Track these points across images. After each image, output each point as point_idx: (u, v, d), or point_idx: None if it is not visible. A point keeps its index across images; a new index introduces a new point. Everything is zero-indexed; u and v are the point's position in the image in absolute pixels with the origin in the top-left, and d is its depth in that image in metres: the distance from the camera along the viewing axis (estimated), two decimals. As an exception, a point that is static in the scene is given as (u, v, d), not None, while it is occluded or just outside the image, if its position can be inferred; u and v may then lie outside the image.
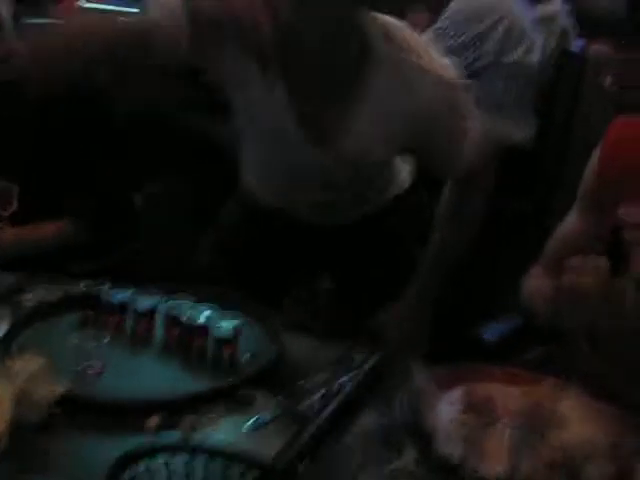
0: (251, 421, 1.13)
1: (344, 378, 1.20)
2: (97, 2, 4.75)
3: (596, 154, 1.48)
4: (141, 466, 0.88)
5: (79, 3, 4.56)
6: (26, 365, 1.08)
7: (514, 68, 2.94)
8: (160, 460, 0.90)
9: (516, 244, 2.77)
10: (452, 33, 2.86)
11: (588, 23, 3.97)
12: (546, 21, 3.45)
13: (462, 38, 2.85)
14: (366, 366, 1.24)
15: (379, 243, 1.81)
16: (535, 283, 1.47)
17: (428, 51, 1.55)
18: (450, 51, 2.78)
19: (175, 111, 3.34)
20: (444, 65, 1.56)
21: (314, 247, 1.79)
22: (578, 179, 1.53)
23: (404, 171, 1.84)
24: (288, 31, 1.38)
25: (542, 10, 3.50)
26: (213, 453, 0.91)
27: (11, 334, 1.28)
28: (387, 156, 1.68)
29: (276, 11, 1.32)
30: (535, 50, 3.00)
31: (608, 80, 3.43)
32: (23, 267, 1.65)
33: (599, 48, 3.79)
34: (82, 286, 1.50)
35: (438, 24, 2.92)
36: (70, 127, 1.91)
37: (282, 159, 1.66)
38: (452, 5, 2.94)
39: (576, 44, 3.47)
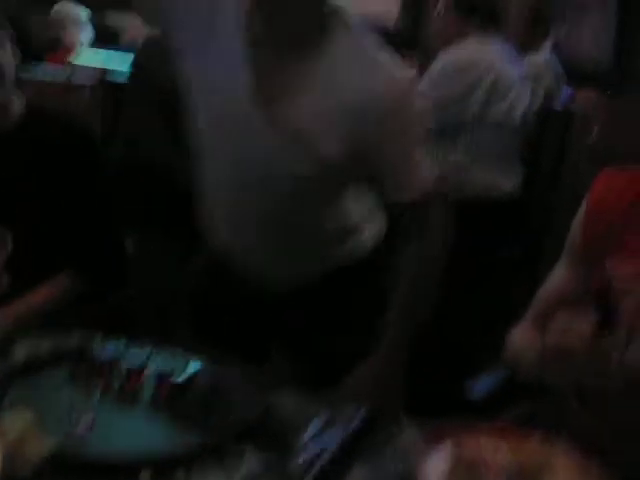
0: (241, 476, 1.13)
1: (332, 433, 1.20)
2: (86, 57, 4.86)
3: (583, 207, 1.49)
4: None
5: (70, 58, 4.65)
6: (15, 421, 1.08)
7: (500, 120, 2.99)
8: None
9: (506, 292, 2.79)
10: (440, 85, 2.91)
11: (575, 72, 4.06)
12: (534, 72, 3.52)
13: (450, 90, 2.90)
14: (354, 421, 1.24)
15: (342, 303, 1.78)
16: (522, 337, 1.48)
17: (384, 50, 1.57)
18: (439, 102, 2.84)
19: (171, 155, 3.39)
20: (398, 65, 1.58)
21: (277, 310, 1.78)
22: (566, 227, 1.54)
23: (366, 231, 1.82)
24: None
25: (530, 60, 3.58)
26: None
27: (1, 388, 1.28)
28: (333, 153, 1.58)
29: None
30: (521, 102, 3.05)
31: (595, 132, 3.48)
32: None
33: (586, 97, 3.86)
34: (73, 338, 1.50)
35: (427, 76, 2.98)
36: (64, 175, 1.92)
37: (231, 151, 1.64)
38: (440, 58, 3.00)
39: (564, 93, 3.53)
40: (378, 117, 1.52)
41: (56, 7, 5.09)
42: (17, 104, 1.94)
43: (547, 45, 3.72)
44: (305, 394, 1.39)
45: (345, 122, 1.54)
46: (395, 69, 1.58)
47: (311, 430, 1.21)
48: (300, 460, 1.14)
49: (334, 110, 1.53)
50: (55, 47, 4.96)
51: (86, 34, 5.07)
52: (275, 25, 1.54)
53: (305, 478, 1.09)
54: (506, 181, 3.06)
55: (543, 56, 3.69)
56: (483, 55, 2.98)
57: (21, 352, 1.44)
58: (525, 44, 3.68)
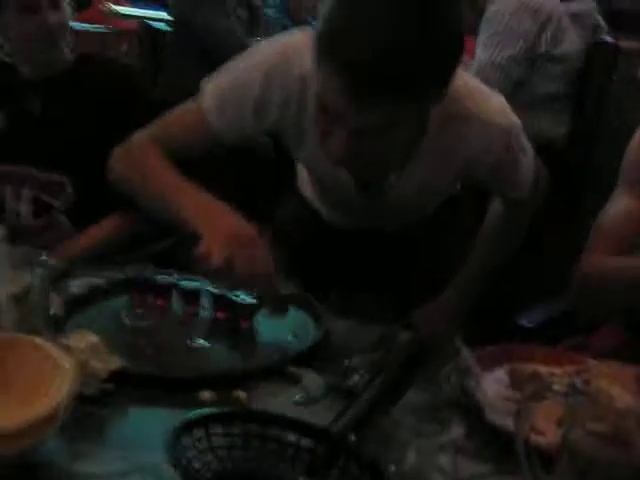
0: (300, 396, 1.15)
1: (389, 356, 1.21)
2: (125, 6, 4.86)
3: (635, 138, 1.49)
4: (199, 433, 0.90)
5: (106, 7, 4.65)
6: (80, 341, 1.10)
7: (559, 62, 2.97)
8: (217, 429, 0.92)
9: (556, 233, 2.79)
10: (513, 25, 2.89)
11: (615, 22, 4.00)
12: (579, 16, 3.47)
13: (517, 25, 2.87)
14: (409, 345, 1.25)
15: (426, 244, 1.82)
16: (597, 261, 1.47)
17: (482, 94, 1.49)
18: (503, 33, 2.83)
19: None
20: (498, 109, 1.49)
21: (363, 248, 1.80)
22: (611, 168, 1.55)
23: None
24: None
25: (574, 7, 3.52)
26: (268, 421, 0.93)
27: (63, 315, 1.30)
28: (442, 197, 1.69)
29: None
30: (572, 43, 3.02)
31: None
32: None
33: (628, 44, 3.80)
34: (126, 271, 1.53)
35: (487, 13, 2.94)
36: (114, 117, 1.94)
37: (337, 198, 1.69)
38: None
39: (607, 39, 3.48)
40: (489, 166, 1.50)
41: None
42: (67, 50, 1.98)
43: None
44: (359, 322, 1.41)
45: (456, 178, 1.61)
46: (495, 115, 1.48)
47: (367, 354, 1.23)
48: (357, 381, 1.15)
49: (444, 176, 1.55)
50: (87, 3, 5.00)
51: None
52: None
53: (364, 396, 1.10)
54: (553, 126, 3.04)
55: (585, 4, 3.63)
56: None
57: (78, 284, 1.48)
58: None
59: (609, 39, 3.26)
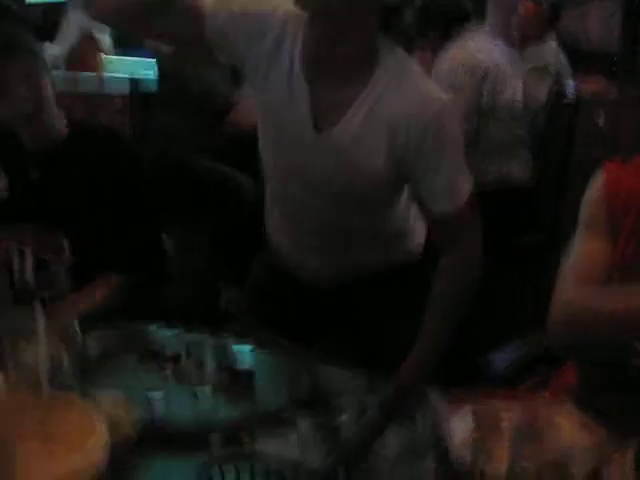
0: (295, 436, 1.33)
1: (372, 399, 1.41)
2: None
3: (599, 183, 1.59)
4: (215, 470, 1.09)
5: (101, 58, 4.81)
6: (107, 397, 1.29)
7: (506, 110, 3.17)
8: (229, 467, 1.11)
9: (527, 275, 2.95)
10: (452, 82, 3.10)
11: (582, 59, 4.20)
12: (539, 63, 3.69)
13: (458, 84, 3.08)
14: (390, 390, 1.46)
15: (389, 300, 1.94)
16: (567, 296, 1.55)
17: (423, 74, 1.78)
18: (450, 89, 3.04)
19: (197, 157, 3.57)
20: (436, 87, 1.77)
21: (331, 308, 1.95)
22: (577, 211, 1.64)
23: (413, 239, 1.99)
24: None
25: (535, 52, 3.74)
26: (269, 460, 1.12)
27: (85, 371, 1.49)
28: (379, 168, 1.74)
29: None
30: (520, 92, 3.23)
31: (601, 119, 3.64)
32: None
33: (592, 85, 4.02)
34: (137, 328, 1.71)
35: (436, 69, 3.16)
36: (109, 184, 2.11)
37: (293, 164, 1.82)
38: (443, 58, 3.19)
39: (569, 84, 3.68)
40: (418, 133, 1.69)
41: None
42: (60, 122, 2.15)
43: (552, 36, 3.87)
44: (348, 370, 1.60)
45: (389, 138, 1.71)
46: (434, 91, 1.75)
47: (353, 396, 1.42)
48: (344, 420, 1.34)
49: (380, 128, 1.71)
50: (75, 57, 5.02)
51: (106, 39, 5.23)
52: (331, 56, 1.71)
53: (349, 434, 1.30)
54: (517, 170, 3.24)
55: (548, 47, 3.83)
56: (483, 51, 3.18)
57: (93, 343, 1.66)
58: (529, 36, 3.85)
59: (570, 87, 3.47)
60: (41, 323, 1.30)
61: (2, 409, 1.17)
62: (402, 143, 1.70)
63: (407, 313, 1.83)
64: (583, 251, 1.58)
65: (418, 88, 1.73)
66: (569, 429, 1.26)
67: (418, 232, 2.00)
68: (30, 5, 6.47)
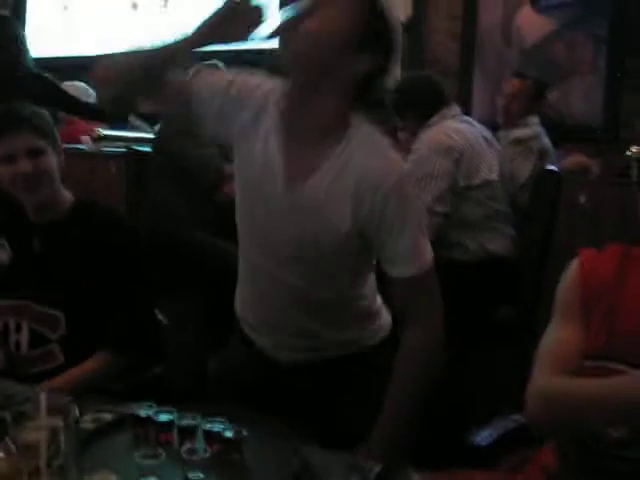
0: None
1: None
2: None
3: (574, 271, 1.66)
4: None
5: (95, 132, 4.91)
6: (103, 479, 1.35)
7: (481, 189, 3.30)
8: None
9: (506, 349, 3.01)
10: (429, 162, 3.22)
11: (565, 135, 4.33)
12: (523, 142, 3.81)
13: (434, 169, 3.21)
14: (374, 472, 1.51)
15: (355, 380, 2.01)
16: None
17: (389, 143, 1.88)
18: (425, 178, 3.16)
19: (191, 230, 3.63)
20: (398, 156, 1.89)
21: (302, 386, 2.02)
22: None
23: (383, 317, 2.07)
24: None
25: (518, 132, 3.87)
26: None
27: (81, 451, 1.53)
28: (346, 228, 1.83)
29: None
30: (490, 170, 3.35)
31: (583, 196, 3.75)
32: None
33: (576, 160, 4.13)
34: (131, 408, 1.76)
35: (412, 155, 3.29)
36: (108, 261, 2.17)
37: (265, 231, 1.92)
38: (422, 139, 3.32)
39: (552, 163, 3.79)
40: (382, 198, 1.80)
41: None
42: (64, 196, 2.24)
43: (534, 121, 3.99)
44: (330, 451, 1.65)
45: (355, 201, 1.81)
46: (398, 160, 1.89)
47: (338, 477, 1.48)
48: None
49: (346, 190, 1.82)
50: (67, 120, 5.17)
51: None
52: (307, 120, 1.85)
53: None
54: (496, 245, 3.33)
55: (531, 130, 3.95)
56: (460, 133, 3.32)
57: (88, 418, 1.70)
58: (513, 114, 3.98)
59: (553, 168, 3.58)
60: (43, 401, 1.34)
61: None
62: (367, 207, 1.81)
63: (370, 396, 1.91)
64: (558, 338, 1.64)
65: (384, 155, 1.85)
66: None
67: (385, 316, 2.07)
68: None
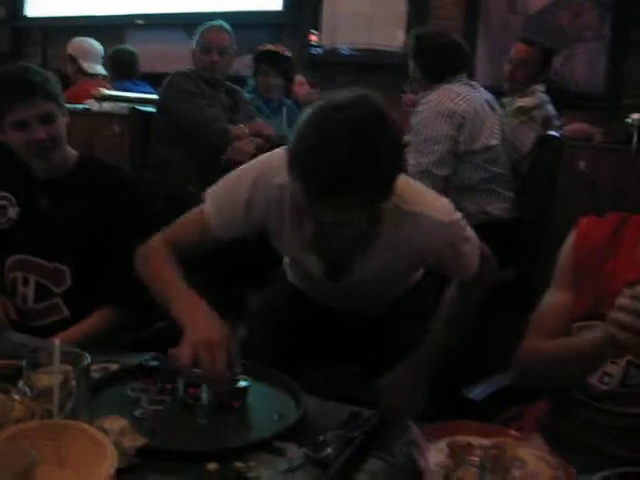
0: (285, 467, 1.45)
1: (354, 432, 1.53)
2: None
3: (570, 239, 1.72)
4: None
5: (98, 91, 4.93)
6: (113, 424, 1.41)
7: (482, 154, 3.33)
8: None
9: (503, 309, 3.06)
10: (434, 125, 3.25)
11: (567, 102, 4.35)
12: (527, 111, 3.83)
13: (437, 133, 3.24)
14: (371, 423, 1.57)
15: (398, 326, 2.17)
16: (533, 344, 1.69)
17: (425, 196, 1.87)
18: (427, 141, 3.19)
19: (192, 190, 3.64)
20: (440, 208, 1.84)
21: (344, 331, 2.19)
22: (556, 249, 1.76)
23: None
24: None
25: (523, 100, 3.89)
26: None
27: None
28: (400, 284, 2.10)
29: None
30: (491, 135, 3.37)
31: (582, 164, 3.79)
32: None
33: (577, 127, 4.16)
34: (136, 358, 1.83)
35: (415, 117, 3.32)
36: (111, 216, 2.23)
37: (309, 280, 2.08)
38: (427, 102, 3.33)
39: (555, 130, 3.82)
40: (435, 256, 1.89)
41: (73, 41, 5.39)
42: (70, 155, 2.28)
43: (540, 89, 4.00)
44: (332, 401, 1.72)
45: (408, 263, 1.96)
46: (438, 214, 1.82)
47: (337, 430, 1.54)
48: (329, 453, 1.46)
49: (396, 264, 1.91)
50: (73, 81, 5.24)
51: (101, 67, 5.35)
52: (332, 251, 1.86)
53: (333, 466, 1.42)
54: (496, 208, 3.37)
55: (535, 98, 3.96)
56: (463, 97, 3.32)
57: (95, 369, 1.76)
58: (519, 81, 4.00)
59: (555, 134, 3.61)
60: (57, 349, 1.40)
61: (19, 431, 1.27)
62: (421, 262, 1.98)
63: (415, 321, 2.11)
64: (550, 303, 1.71)
65: (422, 221, 1.81)
66: (533, 464, 1.38)
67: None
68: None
